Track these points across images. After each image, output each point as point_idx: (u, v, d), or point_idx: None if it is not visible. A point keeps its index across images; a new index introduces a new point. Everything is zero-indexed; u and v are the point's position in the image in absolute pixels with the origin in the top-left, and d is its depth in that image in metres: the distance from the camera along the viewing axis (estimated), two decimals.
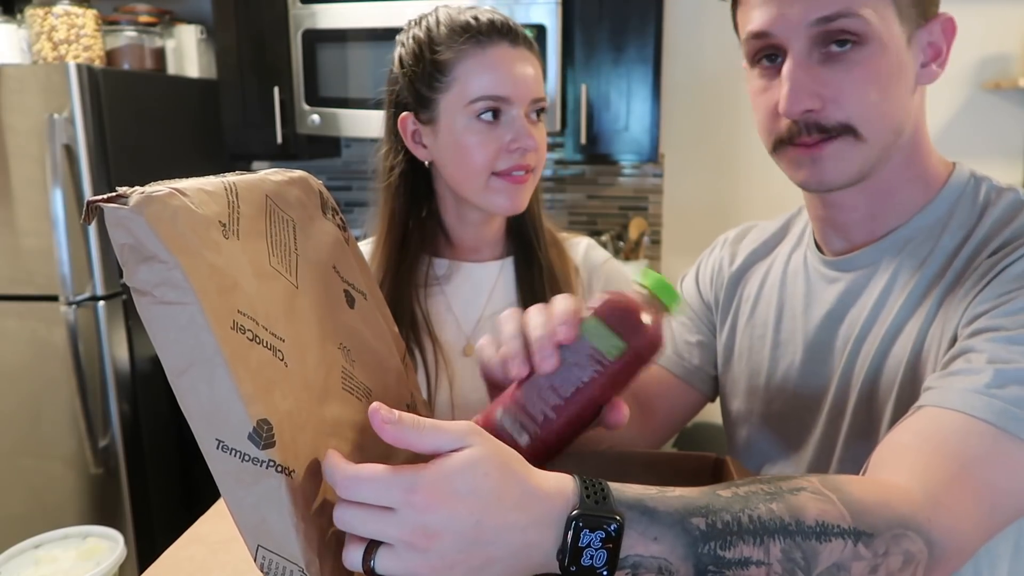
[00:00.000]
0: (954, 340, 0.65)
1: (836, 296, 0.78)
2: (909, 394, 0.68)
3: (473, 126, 0.94)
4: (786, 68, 0.69)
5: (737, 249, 0.94)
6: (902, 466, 0.57)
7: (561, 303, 0.61)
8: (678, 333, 0.97)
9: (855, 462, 0.64)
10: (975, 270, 0.67)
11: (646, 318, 0.59)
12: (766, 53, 0.71)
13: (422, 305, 1.04)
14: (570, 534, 0.46)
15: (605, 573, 0.47)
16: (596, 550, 0.47)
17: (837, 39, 0.67)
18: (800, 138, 0.70)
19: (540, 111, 0.98)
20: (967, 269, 0.68)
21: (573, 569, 0.47)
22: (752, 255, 0.92)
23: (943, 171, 0.75)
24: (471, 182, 0.96)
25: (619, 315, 0.59)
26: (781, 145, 0.72)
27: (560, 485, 0.49)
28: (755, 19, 0.70)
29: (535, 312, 0.61)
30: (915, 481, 0.55)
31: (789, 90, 0.68)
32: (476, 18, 0.94)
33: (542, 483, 0.48)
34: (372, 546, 0.46)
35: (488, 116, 0.94)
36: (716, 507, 0.50)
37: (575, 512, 0.47)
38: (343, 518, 0.46)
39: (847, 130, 0.69)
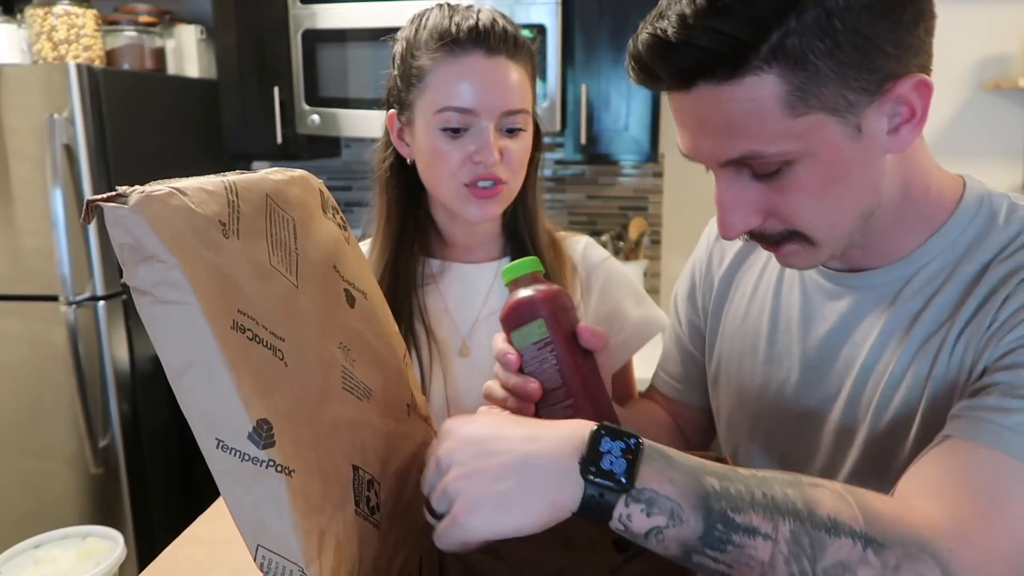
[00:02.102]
0: (985, 369, 0.63)
1: (839, 314, 0.75)
2: (931, 421, 0.66)
3: (439, 135, 0.94)
4: (716, 193, 0.66)
5: (724, 246, 0.92)
6: (930, 498, 0.56)
7: (494, 348, 0.72)
8: (675, 357, 0.99)
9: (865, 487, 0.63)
10: (1009, 297, 0.63)
11: (531, 296, 0.71)
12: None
13: (419, 300, 1.04)
14: (590, 442, 0.51)
15: (624, 481, 0.49)
16: (616, 457, 0.49)
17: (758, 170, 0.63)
18: (754, 239, 0.69)
19: (515, 127, 0.95)
20: (994, 294, 0.64)
21: (592, 470, 0.49)
22: (741, 253, 0.89)
23: (949, 197, 0.71)
24: (442, 187, 0.97)
25: (517, 312, 0.70)
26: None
27: (578, 424, 0.53)
28: (679, 139, 0.66)
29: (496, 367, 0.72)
30: (944, 514, 0.54)
31: (720, 218, 0.66)
32: (459, 24, 0.92)
33: (558, 423, 0.54)
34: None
35: (452, 128, 0.93)
36: (732, 477, 0.51)
37: (596, 426, 0.52)
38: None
39: (795, 235, 0.66)
